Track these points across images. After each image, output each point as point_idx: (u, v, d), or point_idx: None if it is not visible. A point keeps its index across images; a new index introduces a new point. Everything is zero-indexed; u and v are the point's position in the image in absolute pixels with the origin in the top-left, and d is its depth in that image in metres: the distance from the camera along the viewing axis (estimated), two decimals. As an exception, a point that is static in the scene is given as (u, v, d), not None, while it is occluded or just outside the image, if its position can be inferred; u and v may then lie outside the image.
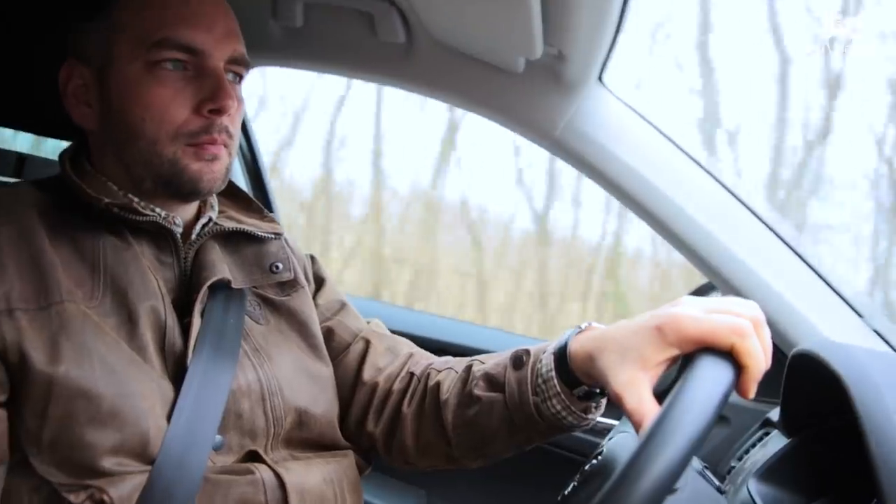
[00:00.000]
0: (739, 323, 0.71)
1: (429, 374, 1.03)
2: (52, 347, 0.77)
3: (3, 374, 0.76)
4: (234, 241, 1.00)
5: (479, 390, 0.94)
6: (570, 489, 0.89)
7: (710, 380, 0.68)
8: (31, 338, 0.77)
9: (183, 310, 0.89)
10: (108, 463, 0.77)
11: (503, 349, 0.98)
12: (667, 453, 0.60)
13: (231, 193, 1.05)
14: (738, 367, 0.70)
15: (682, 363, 0.77)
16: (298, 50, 1.34)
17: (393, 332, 1.13)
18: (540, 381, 0.88)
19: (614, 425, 1.11)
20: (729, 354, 0.70)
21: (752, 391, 0.71)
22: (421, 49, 1.24)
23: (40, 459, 0.77)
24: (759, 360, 0.71)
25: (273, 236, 1.03)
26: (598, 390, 0.87)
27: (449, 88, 1.26)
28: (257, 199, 1.33)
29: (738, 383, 0.70)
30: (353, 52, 1.30)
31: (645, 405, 0.74)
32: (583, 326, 0.87)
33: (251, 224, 1.01)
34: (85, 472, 0.77)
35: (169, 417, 0.82)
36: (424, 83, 1.28)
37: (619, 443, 0.89)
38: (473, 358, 1.00)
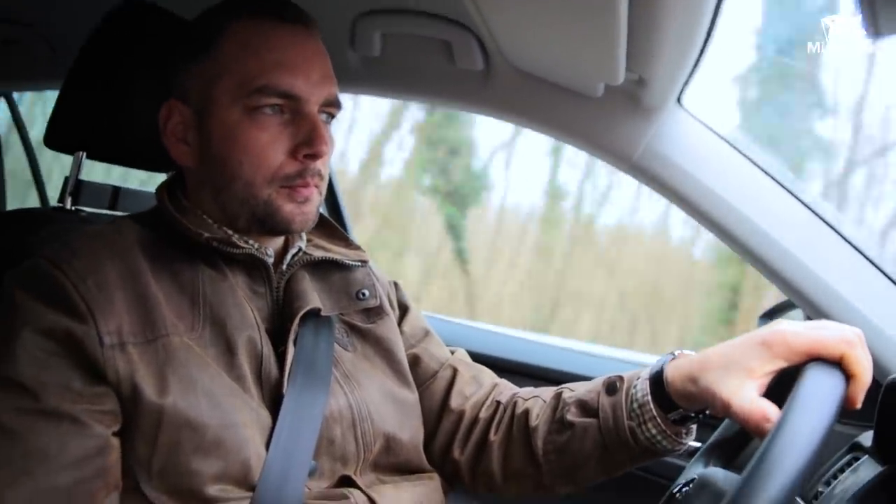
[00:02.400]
0: (847, 334, 0.75)
1: (515, 403, 1.05)
2: (160, 379, 0.80)
3: (116, 405, 0.80)
4: (323, 269, 1.02)
5: (572, 416, 0.96)
6: None
7: (825, 387, 0.71)
8: (142, 370, 0.80)
9: (276, 338, 0.92)
10: (212, 490, 0.80)
11: (559, 364, 0.99)
12: (794, 458, 0.61)
13: (317, 222, 1.07)
14: (847, 377, 0.73)
15: (781, 380, 0.78)
16: (377, 78, 1.37)
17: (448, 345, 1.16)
18: (635, 405, 0.91)
19: (699, 447, 1.11)
20: (838, 365, 0.73)
21: (860, 401, 0.74)
22: (499, 75, 1.25)
23: (151, 486, 0.80)
24: (869, 369, 0.74)
25: (359, 264, 1.05)
26: (692, 414, 0.89)
27: (527, 113, 1.27)
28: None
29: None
30: (431, 80, 1.32)
31: (758, 404, 0.77)
32: (675, 353, 0.90)
33: (338, 252, 1.03)
34: (192, 498, 0.80)
35: (267, 445, 0.85)
36: (503, 108, 1.30)
37: (714, 471, 0.88)
38: (562, 386, 1.02)
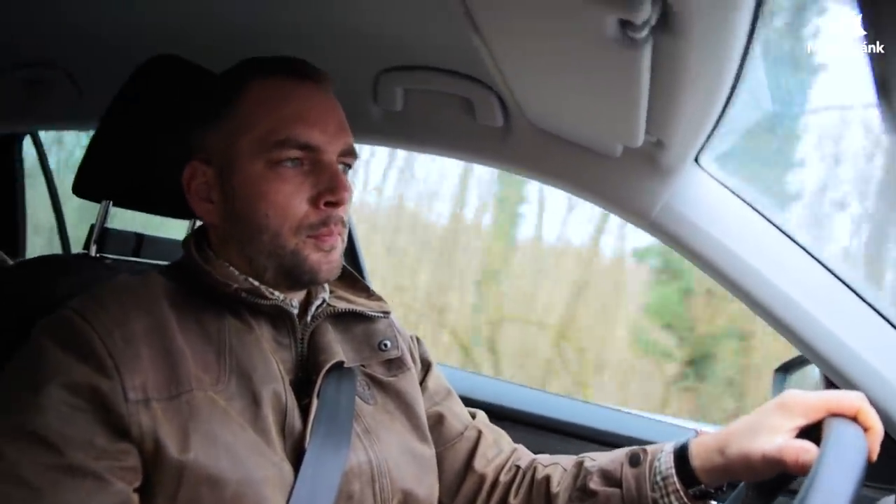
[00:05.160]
0: (856, 393, 0.83)
1: (535, 469, 1.06)
2: (182, 435, 0.80)
3: (138, 461, 0.80)
4: (345, 320, 1.03)
5: (595, 485, 0.97)
6: None
7: (853, 435, 0.77)
8: (165, 427, 0.80)
9: (300, 390, 0.92)
10: None
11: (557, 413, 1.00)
12: (839, 494, 0.66)
13: (339, 274, 1.09)
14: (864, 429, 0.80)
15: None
16: (399, 132, 1.39)
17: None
18: (658, 478, 0.93)
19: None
20: (853, 419, 0.81)
21: (876, 453, 0.80)
22: (519, 132, 1.27)
23: None
24: (881, 423, 0.81)
25: (382, 315, 1.06)
26: (711, 490, 0.92)
27: (546, 170, 1.29)
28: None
29: None
30: (451, 134, 1.34)
31: (793, 442, 0.83)
32: (698, 431, 0.95)
33: (361, 304, 1.04)
34: None
35: (287, 500, 0.84)
36: (521, 164, 1.31)
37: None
38: (583, 455, 1.04)
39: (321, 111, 0.95)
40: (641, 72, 0.82)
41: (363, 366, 1.03)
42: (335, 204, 0.92)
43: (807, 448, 0.80)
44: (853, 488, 0.67)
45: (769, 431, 0.85)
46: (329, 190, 0.91)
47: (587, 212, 4.28)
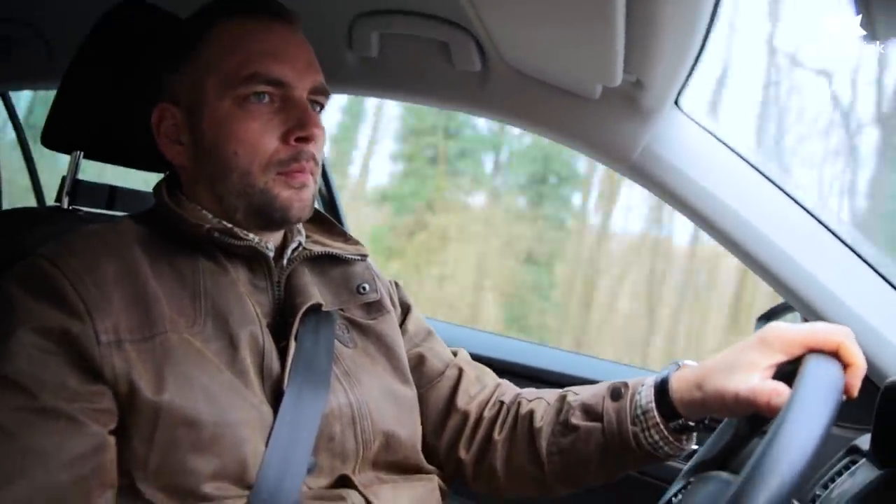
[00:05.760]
0: (841, 327, 0.79)
1: (519, 403, 1.06)
2: (157, 377, 0.80)
3: (113, 403, 0.80)
4: (322, 264, 1.03)
5: (577, 419, 0.97)
6: None
7: (828, 372, 0.74)
8: (139, 368, 0.80)
9: (277, 333, 0.92)
10: (208, 488, 0.80)
11: (558, 366, 1.00)
12: (800, 445, 0.63)
13: (315, 219, 1.08)
14: (844, 366, 0.76)
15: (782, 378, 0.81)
16: (375, 79, 1.37)
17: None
18: (639, 412, 0.92)
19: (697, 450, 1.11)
20: (834, 355, 0.77)
21: (857, 390, 0.77)
22: (497, 76, 1.25)
23: (147, 484, 0.80)
24: (863, 359, 0.78)
25: (359, 258, 1.06)
26: (692, 423, 0.91)
27: (525, 115, 1.28)
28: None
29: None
30: (428, 81, 1.32)
31: (766, 383, 0.81)
32: (680, 363, 0.93)
33: (338, 247, 1.04)
34: (188, 496, 0.80)
35: (266, 441, 0.85)
36: (500, 110, 1.30)
37: (710, 473, 0.88)
38: (566, 389, 1.04)
39: (289, 47, 0.94)
40: (616, 5, 0.81)
41: (342, 309, 1.02)
42: (305, 140, 0.91)
43: (779, 391, 0.79)
44: (822, 431, 0.65)
45: (746, 368, 0.83)
46: (299, 125, 0.91)
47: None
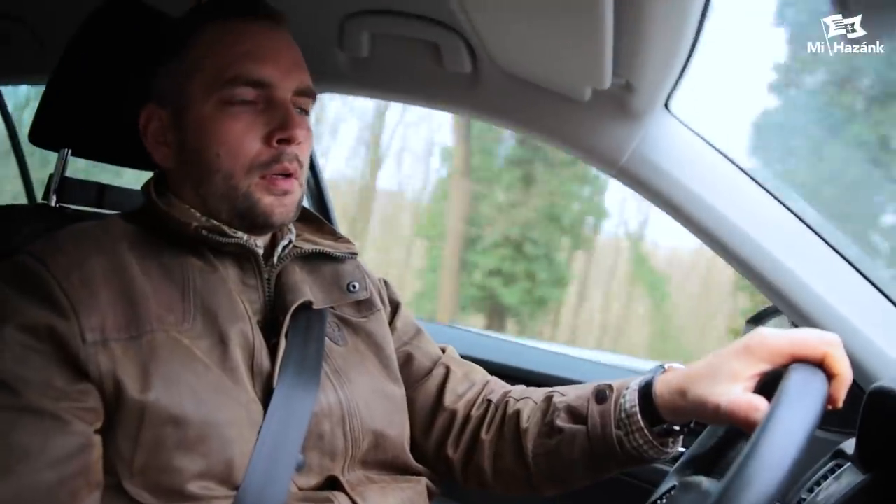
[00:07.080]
0: (828, 335, 0.77)
1: (507, 403, 1.06)
2: (143, 376, 0.80)
3: (99, 402, 0.79)
4: (313, 262, 1.03)
5: (562, 422, 0.97)
6: None
7: (810, 385, 0.72)
8: (125, 367, 0.80)
9: (268, 331, 0.92)
10: (194, 487, 0.80)
11: (547, 367, 0.99)
12: (777, 459, 0.62)
13: (305, 217, 1.08)
14: (829, 377, 0.75)
15: (767, 386, 0.79)
16: (365, 79, 1.37)
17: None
18: (623, 415, 0.92)
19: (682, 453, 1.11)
20: (819, 365, 0.75)
21: (841, 400, 0.76)
22: (487, 78, 1.25)
23: (132, 483, 0.79)
24: (850, 370, 0.76)
25: (349, 256, 1.06)
26: (676, 428, 0.90)
27: (514, 117, 1.28)
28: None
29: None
30: (418, 81, 1.32)
31: (745, 397, 0.79)
32: (665, 367, 0.92)
33: (328, 245, 1.04)
34: (174, 496, 0.79)
35: (255, 440, 0.84)
36: (490, 111, 1.30)
37: (695, 478, 0.89)
38: (553, 389, 1.03)
39: (273, 47, 0.93)
40: (606, 8, 0.81)
41: (333, 307, 1.02)
42: (287, 141, 0.91)
43: (756, 405, 0.77)
44: (796, 449, 0.63)
45: (729, 378, 0.81)
46: (281, 127, 0.90)
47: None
